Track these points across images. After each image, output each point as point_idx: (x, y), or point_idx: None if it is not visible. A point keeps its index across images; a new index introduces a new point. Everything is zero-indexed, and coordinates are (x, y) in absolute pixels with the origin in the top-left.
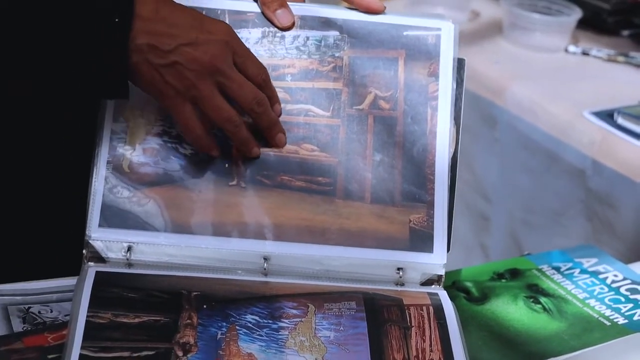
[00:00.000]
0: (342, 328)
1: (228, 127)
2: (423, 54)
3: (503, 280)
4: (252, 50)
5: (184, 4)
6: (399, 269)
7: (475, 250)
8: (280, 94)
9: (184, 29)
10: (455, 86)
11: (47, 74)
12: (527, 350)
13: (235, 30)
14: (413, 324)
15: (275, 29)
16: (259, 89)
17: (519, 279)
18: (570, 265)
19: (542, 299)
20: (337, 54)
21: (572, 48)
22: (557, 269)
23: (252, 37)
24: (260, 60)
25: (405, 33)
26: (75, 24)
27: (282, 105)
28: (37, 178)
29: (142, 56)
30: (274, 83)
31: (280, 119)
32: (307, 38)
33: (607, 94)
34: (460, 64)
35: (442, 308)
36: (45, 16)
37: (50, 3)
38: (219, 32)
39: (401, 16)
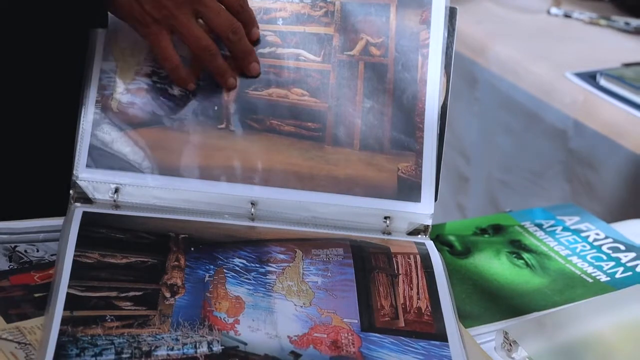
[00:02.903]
0: (329, 274)
1: (204, 55)
2: (415, 1)
3: (486, 236)
4: None
5: None
6: (386, 217)
7: (452, 210)
8: (271, 38)
9: None
10: (446, 35)
11: (24, 3)
12: (511, 304)
13: None
14: (400, 272)
15: None
16: (236, 16)
17: (501, 235)
18: (552, 222)
19: (525, 255)
20: None
21: (554, 10)
22: (540, 226)
23: None
24: (252, 3)
25: None
26: None
27: (273, 48)
28: (24, 118)
29: None
30: (265, 26)
31: (271, 62)
32: None
33: (589, 56)
34: (452, 13)
35: (429, 257)
36: None
37: None
38: None
39: None
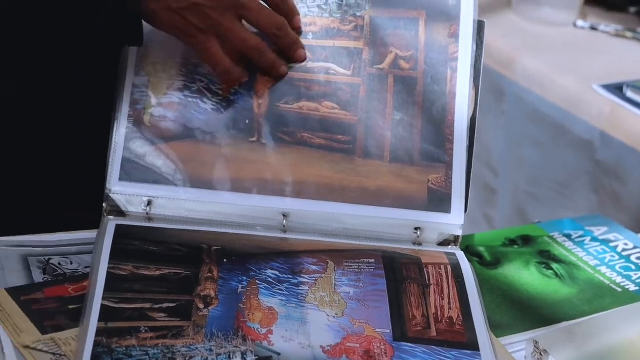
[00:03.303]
0: (361, 284)
1: (254, 55)
2: (444, 15)
3: (515, 247)
4: None
5: None
6: (416, 228)
7: (481, 221)
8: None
9: None
10: (475, 48)
11: (62, 20)
12: (540, 314)
13: None
14: (431, 282)
15: None
16: (277, 10)
17: (530, 246)
18: (581, 233)
19: (554, 265)
20: (358, 14)
21: (580, 23)
22: (568, 237)
23: None
24: None
25: None
26: None
27: (303, 62)
28: (57, 131)
29: (160, 3)
30: None
31: (301, 76)
32: None
33: (616, 68)
34: (480, 26)
35: (460, 267)
36: None
37: None
38: None
39: None
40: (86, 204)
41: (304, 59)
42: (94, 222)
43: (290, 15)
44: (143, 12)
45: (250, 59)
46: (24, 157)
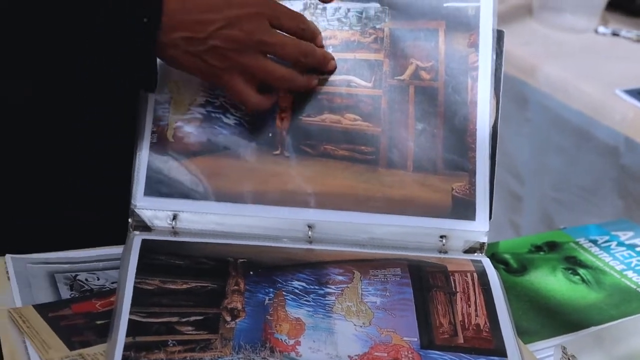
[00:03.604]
0: (388, 294)
1: (284, 84)
2: (463, 25)
3: (541, 253)
4: None
5: None
6: (442, 236)
7: (507, 228)
8: None
9: (214, 11)
10: (494, 57)
11: (81, 68)
12: (568, 320)
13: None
14: (458, 290)
15: (317, 0)
16: (299, 36)
17: (556, 252)
18: (607, 238)
19: (581, 271)
20: (378, 26)
21: (601, 29)
22: (594, 242)
23: (294, 9)
24: None
25: (445, 4)
26: (106, 26)
27: (325, 76)
28: (58, 131)
29: (179, 49)
30: None
31: (323, 89)
32: (348, 10)
33: (638, 73)
34: (499, 35)
35: (486, 274)
36: (77, 17)
37: (81, 6)
38: (249, 3)
39: None
40: (86, 204)
41: (335, 69)
42: (94, 222)
43: (314, 37)
44: (161, 57)
45: (280, 87)
46: (24, 157)
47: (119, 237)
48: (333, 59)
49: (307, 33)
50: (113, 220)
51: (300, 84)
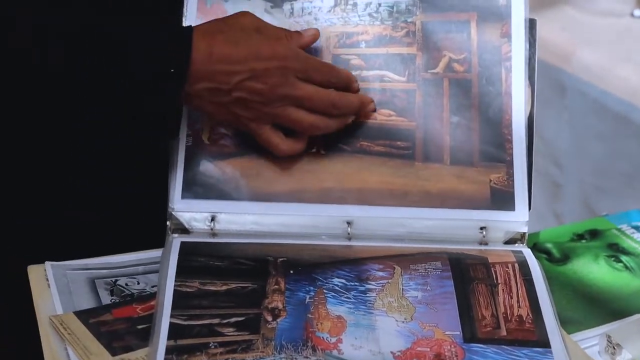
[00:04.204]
0: (429, 288)
1: (314, 131)
2: (494, 15)
3: (583, 241)
4: (325, 19)
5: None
6: (482, 228)
7: (549, 217)
8: (355, 61)
9: (240, 63)
10: (528, 46)
11: (107, 119)
12: (612, 307)
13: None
14: (499, 281)
15: None
16: (331, 87)
17: (599, 239)
18: None
19: (623, 258)
20: (409, 19)
21: (637, 12)
22: (637, 228)
23: (324, 6)
24: (334, 28)
25: None
26: (133, 74)
27: (358, 72)
28: (81, 148)
29: (204, 99)
30: (348, 50)
31: None
32: (379, 4)
33: None
34: (531, 24)
35: (528, 265)
36: (105, 64)
37: (108, 55)
38: (276, 56)
39: None
40: (86, 204)
41: (374, 110)
42: (94, 222)
43: (348, 85)
44: (187, 106)
45: (311, 134)
46: (24, 157)
47: (119, 237)
48: (372, 101)
49: (338, 81)
50: (113, 220)
51: (332, 129)
